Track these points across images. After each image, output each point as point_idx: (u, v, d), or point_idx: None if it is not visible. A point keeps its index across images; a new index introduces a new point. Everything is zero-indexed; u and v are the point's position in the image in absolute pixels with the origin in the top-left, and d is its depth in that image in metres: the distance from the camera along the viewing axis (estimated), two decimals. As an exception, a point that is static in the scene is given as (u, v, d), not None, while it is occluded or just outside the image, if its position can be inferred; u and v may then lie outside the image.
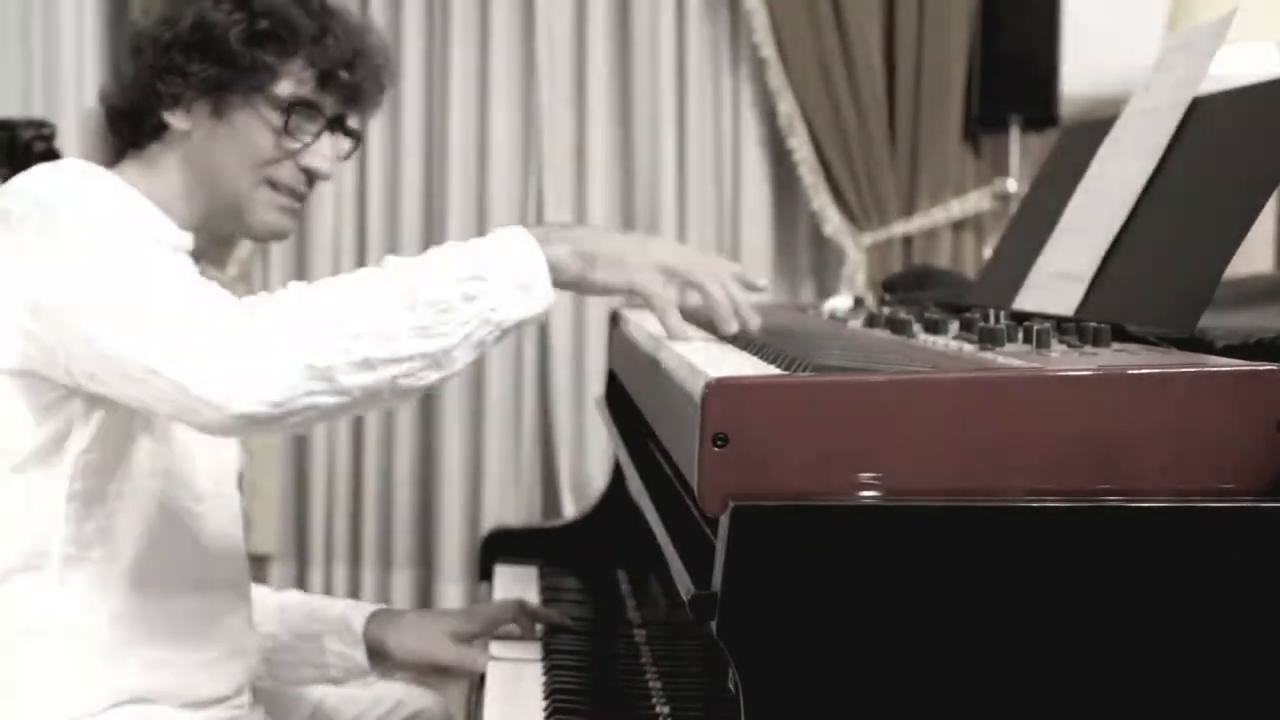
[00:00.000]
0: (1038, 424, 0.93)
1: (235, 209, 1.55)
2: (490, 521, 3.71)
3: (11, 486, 1.42)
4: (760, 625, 0.91)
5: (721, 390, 0.93)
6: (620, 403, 1.83)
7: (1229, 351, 1.10)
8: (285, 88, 1.54)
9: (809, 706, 0.92)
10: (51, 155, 1.75)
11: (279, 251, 3.97)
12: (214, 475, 1.58)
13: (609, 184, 3.90)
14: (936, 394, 0.94)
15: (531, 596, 1.86)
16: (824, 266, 3.89)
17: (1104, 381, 0.95)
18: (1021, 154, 3.65)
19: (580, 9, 3.87)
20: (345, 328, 1.24)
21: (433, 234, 3.89)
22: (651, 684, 1.51)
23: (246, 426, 1.25)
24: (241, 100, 1.53)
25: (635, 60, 3.86)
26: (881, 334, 1.36)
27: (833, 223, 3.75)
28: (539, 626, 1.72)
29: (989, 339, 1.14)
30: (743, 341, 1.27)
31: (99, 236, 1.36)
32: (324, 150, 1.57)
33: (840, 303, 1.78)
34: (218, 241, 1.74)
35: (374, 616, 1.75)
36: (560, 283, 1.32)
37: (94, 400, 1.41)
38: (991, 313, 1.25)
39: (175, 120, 1.53)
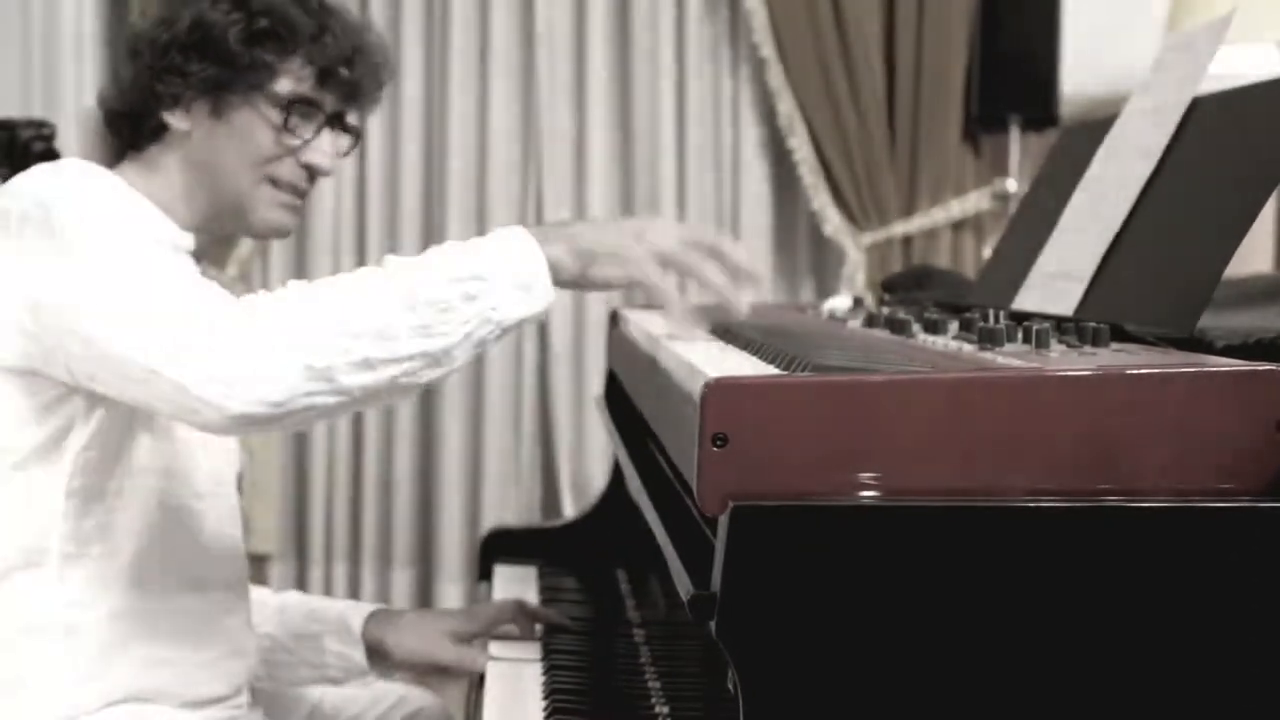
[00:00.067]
0: (1037, 424, 0.93)
1: (237, 207, 1.56)
2: (490, 521, 3.71)
3: (11, 484, 1.43)
4: (759, 625, 0.91)
5: (721, 390, 0.93)
6: (620, 402, 1.82)
7: (1229, 351, 1.10)
8: (284, 86, 1.54)
9: (808, 707, 0.91)
10: (51, 155, 1.75)
11: (279, 251, 3.96)
12: (214, 474, 1.58)
13: (608, 183, 3.90)
14: (936, 394, 0.93)
15: (531, 596, 1.86)
16: (824, 266, 3.89)
17: (1103, 381, 0.94)
18: (1021, 154, 3.65)
19: (580, 9, 3.87)
20: (345, 328, 1.24)
21: (432, 233, 3.89)
22: (651, 684, 1.51)
23: (246, 426, 1.26)
24: (241, 99, 1.53)
25: (635, 60, 3.85)
26: (881, 334, 1.36)
27: (832, 223, 3.74)
28: (538, 626, 1.72)
29: (988, 339, 1.14)
30: (742, 341, 1.27)
31: (99, 237, 1.36)
32: (324, 147, 1.57)
33: (840, 303, 1.77)
34: (218, 241, 1.75)
35: (373, 616, 1.75)
36: (560, 282, 1.32)
37: (94, 398, 1.41)
38: (991, 313, 1.25)
39: (175, 121, 1.54)
